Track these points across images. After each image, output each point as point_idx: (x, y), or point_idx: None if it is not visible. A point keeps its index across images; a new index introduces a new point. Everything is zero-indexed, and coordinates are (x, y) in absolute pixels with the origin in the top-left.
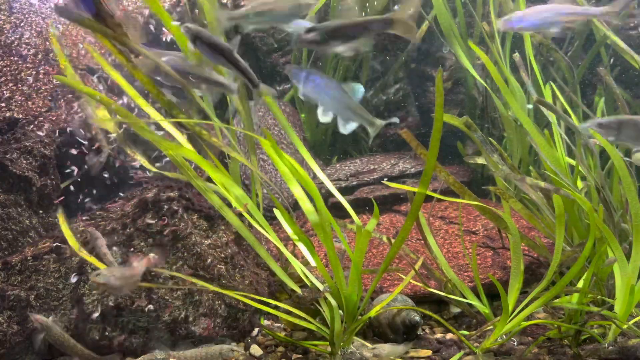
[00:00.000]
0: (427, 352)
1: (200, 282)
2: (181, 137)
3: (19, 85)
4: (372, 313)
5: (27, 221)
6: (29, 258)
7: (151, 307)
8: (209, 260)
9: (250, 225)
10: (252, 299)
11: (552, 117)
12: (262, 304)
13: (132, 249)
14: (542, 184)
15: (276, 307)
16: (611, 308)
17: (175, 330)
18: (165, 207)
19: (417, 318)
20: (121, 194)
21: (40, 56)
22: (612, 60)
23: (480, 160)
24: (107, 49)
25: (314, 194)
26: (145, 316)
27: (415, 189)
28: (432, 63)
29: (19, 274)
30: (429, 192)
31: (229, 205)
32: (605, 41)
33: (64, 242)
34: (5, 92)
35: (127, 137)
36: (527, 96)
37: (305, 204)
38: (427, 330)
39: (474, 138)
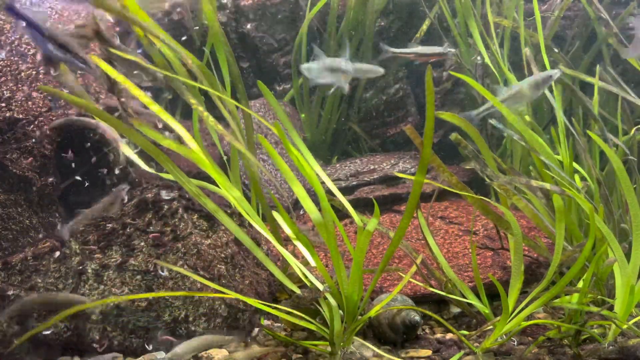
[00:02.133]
0: (427, 352)
1: (202, 280)
2: (186, 133)
3: (19, 85)
4: (372, 313)
5: (27, 221)
6: (29, 258)
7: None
8: (209, 260)
9: (250, 226)
10: (254, 303)
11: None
12: (262, 305)
13: (132, 249)
14: (548, 185)
15: (276, 308)
16: (611, 308)
17: (175, 330)
18: (165, 207)
19: (417, 318)
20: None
21: (40, 56)
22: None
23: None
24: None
25: (319, 192)
26: (145, 316)
27: (412, 177)
28: (432, 63)
29: (19, 274)
30: (430, 182)
31: (228, 205)
32: (606, 41)
33: (64, 242)
34: (5, 92)
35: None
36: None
37: (308, 203)
38: (427, 330)
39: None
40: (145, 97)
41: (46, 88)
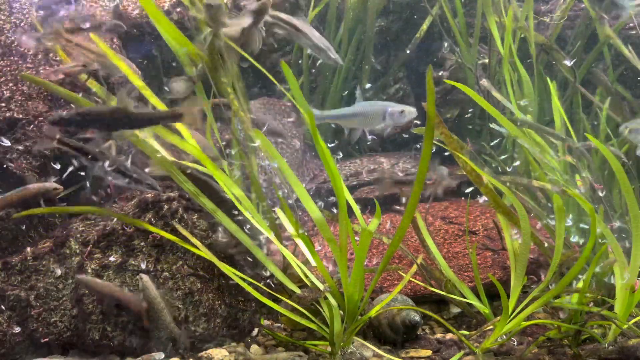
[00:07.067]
0: (427, 352)
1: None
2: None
3: (19, 85)
4: (372, 313)
5: (27, 221)
6: (28, 258)
7: None
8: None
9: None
10: (256, 295)
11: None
12: (265, 301)
13: (132, 249)
14: (549, 186)
15: (277, 303)
16: (611, 308)
17: None
18: (165, 207)
19: (417, 318)
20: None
21: (40, 56)
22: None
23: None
24: None
25: (338, 189)
26: (145, 316)
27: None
28: (432, 63)
29: (19, 274)
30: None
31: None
32: (608, 41)
33: (64, 242)
34: (5, 92)
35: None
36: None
37: (309, 203)
38: (427, 330)
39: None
40: (146, 90)
41: (28, 76)
